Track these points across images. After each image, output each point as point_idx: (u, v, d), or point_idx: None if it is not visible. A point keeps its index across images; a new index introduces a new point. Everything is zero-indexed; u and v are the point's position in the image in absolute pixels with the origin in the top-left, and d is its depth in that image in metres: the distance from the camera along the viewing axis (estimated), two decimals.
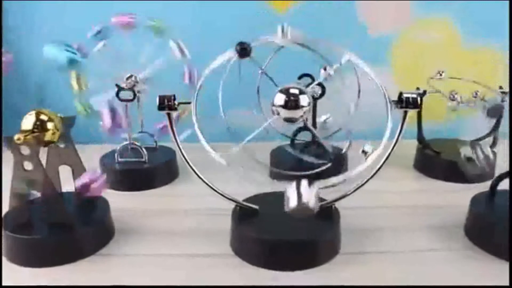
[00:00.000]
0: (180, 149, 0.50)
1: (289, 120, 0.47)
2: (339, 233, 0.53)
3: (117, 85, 0.65)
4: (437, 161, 0.72)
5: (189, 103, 0.49)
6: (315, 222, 0.51)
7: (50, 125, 0.49)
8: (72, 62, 0.60)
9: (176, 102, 0.48)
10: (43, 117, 0.49)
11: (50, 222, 0.50)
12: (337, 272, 0.48)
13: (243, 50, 0.47)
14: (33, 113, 0.49)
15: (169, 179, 0.71)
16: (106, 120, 0.57)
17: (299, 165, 0.68)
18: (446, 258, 0.51)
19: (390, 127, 0.48)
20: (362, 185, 0.51)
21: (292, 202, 0.42)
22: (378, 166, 0.50)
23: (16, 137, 0.46)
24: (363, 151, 0.48)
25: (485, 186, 0.59)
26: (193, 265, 0.50)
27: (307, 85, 0.66)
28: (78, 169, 0.56)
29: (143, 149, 0.69)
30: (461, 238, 0.55)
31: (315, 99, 0.67)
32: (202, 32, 0.87)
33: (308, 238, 0.49)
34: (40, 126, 0.49)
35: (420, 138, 0.75)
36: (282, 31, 0.50)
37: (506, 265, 0.49)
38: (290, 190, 0.43)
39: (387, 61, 0.94)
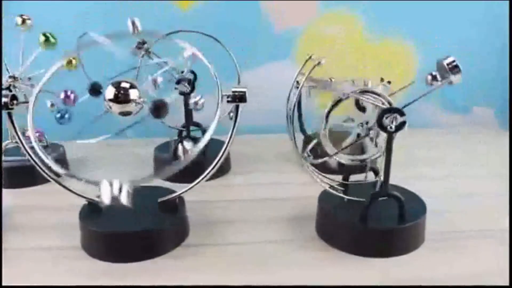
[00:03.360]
0: (25, 148, 0.52)
1: (124, 114, 0.49)
2: (183, 224, 0.55)
3: None
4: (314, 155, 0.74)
5: (27, 102, 0.50)
6: (159, 213, 0.53)
7: None
8: None
9: (14, 102, 0.50)
10: None
11: None
12: (174, 263, 0.50)
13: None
14: None
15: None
16: None
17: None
18: (285, 250, 0.53)
19: (216, 120, 0.50)
20: (202, 179, 0.52)
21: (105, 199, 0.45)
22: (217, 160, 0.52)
23: None
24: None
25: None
26: (38, 259, 0.51)
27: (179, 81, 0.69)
28: None
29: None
30: (310, 232, 0.56)
31: (185, 94, 0.69)
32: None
33: (144, 229, 0.51)
34: None
35: (302, 131, 0.76)
36: (133, 24, 0.52)
37: (341, 255, 0.51)
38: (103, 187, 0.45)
39: (292, 56, 0.95)
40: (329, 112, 0.53)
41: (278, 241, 0.54)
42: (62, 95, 0.68)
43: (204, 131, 0.73)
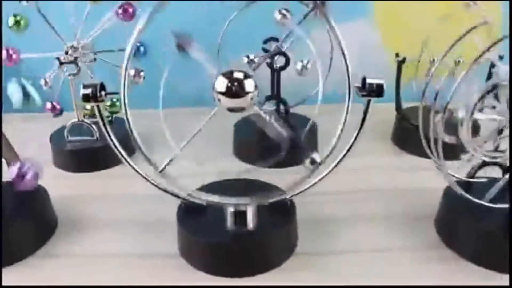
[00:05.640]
0: (114, 144, 0.44)
1: (233, 110, 0.41)
2: (295, 230, 0.48)
3: (57, 59, 0.59)
4: (415, 134, 0.66)
5: (117, 93, 0.42)
6: (267, 219, 0.46)
7: None
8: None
9: (103, 93, 0.42)
10: None
11: None
12: (290, 277, 0.44)
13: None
14: None
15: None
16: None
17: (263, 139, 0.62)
18: (407, 260, 0.46)
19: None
20: (315, 183, 0.45)
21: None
22: (335, 164, 0.44)
23: None
24: (311, 161, 0.43)
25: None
26: (136, 267, 0.46)
27: (273, 55, 0.61)
28: (11, 158, 0.51)
29: (94, 127, 0.63)
30: (429, 234, 0.50)
31: (279, 69, 0.61)
32: None
33: (256, 242, 0.44)
34: None
35: (398, 108, 0.68)
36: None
37: (474, 269, 0.45)
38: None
39: (370, 12, 0.84)
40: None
41: (391, 248, 0.48)
42: None
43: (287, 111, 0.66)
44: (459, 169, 0.48)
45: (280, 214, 0.47)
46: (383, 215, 0.53)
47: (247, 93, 0.39)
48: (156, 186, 0.45)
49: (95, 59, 0.62)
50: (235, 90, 0.39)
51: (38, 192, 0.51)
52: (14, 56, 0.57)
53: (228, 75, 0.39)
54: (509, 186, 0.47)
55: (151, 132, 0.53)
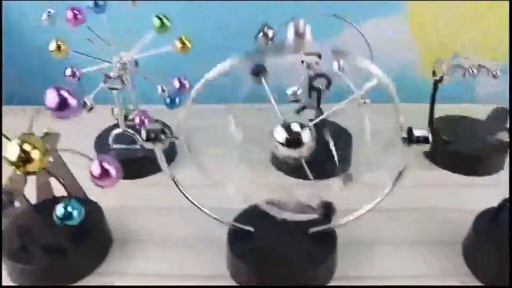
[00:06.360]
0: (176, 185, 0.48)
1: (291, 159, 0.44)
2: (335, 259, 0.52)
3: (104, 74, 0.60)
4: (447, 150, 0.68)
5: (177, 138, 0.45)
6: (309, 247, 0.50)
7: (35, 154, 0.45)
8: None
9: (163, 137, 0.45)
10: (26, 147, 0.45)
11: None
12: None
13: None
14: (15, 142, 0.45)
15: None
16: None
17: None
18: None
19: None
20: (362, 214, 0.49)
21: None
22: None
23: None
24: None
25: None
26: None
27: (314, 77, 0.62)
28: (68, 182, 0.54)
29: (137, 136, 0.66)
30: (456, 261, 0.52)
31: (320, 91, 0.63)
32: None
33: (300, 270, 0.49)
34: (24, 157, 0.45)
35: (430, 123, 0.69)
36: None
37: None
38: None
39: (404, 8, 0.83)
40: None
41: (425, 275, 0.51)
42: (176, 83, 0.63)
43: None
44: None
45: (322, 241, 0.51)
46: (411, 236, 0.56)
47: (304, 144, 0.42)
48: (202, 210, 0.50)
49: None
50: (293, 142, 0.42)
51: (94, 211, 0.55)
52: (79, 16, 0.60)
53: (287, 127, 0.42)
54: (509, 191, 0.50)
55: None
